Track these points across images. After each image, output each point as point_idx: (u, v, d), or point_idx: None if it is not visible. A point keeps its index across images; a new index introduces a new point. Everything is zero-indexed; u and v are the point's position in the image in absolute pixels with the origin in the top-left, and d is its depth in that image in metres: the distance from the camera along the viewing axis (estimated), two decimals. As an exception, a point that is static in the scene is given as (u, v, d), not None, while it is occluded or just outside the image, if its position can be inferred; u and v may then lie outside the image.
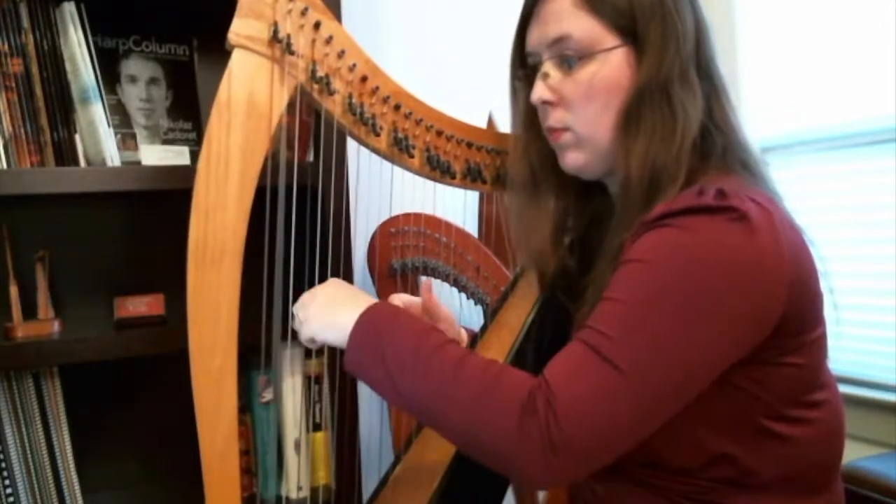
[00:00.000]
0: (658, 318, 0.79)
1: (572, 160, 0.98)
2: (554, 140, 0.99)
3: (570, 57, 0.93)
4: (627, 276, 0.83)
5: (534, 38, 0.98)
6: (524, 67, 1.02)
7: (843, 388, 0.95)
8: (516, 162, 1.07)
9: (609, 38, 0.92)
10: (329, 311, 0.96)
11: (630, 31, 0.92)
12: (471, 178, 1.15)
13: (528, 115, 1.03)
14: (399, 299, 1.11)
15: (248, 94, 0.98)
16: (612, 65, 0.92)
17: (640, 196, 0.89)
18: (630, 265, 0.83)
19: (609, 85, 0.92)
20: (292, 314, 1.01)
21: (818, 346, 0.89)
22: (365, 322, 0.91)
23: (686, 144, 0.89)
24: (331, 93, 1.03)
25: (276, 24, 0.98)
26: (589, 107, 0.94)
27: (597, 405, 0.78)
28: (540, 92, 0.96)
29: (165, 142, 1.50)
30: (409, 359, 0.86)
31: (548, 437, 0.77)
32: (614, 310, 0.82)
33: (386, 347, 0.88)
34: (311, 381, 1.49)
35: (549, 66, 0.96)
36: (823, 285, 0.89)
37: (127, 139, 1.46)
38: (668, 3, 0.91)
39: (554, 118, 0.97)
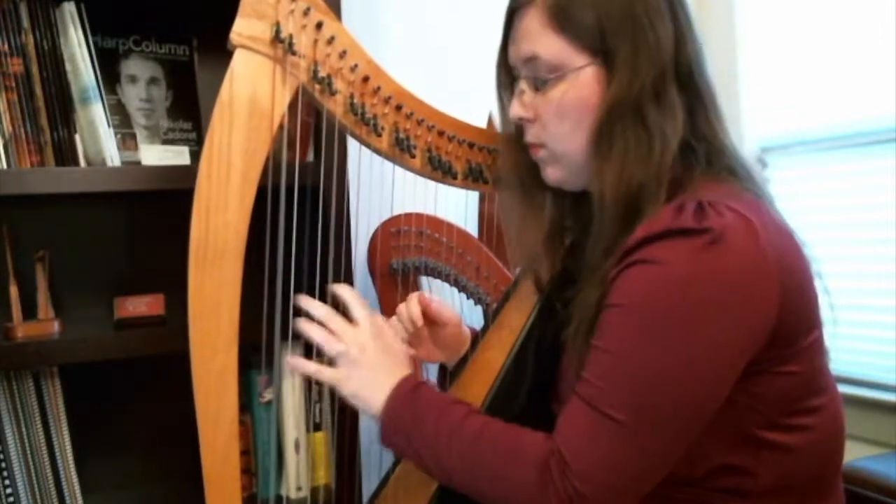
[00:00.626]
0: (647, 361, 0.80)
1: (551, 174, 0.99)
2: (533, 154, 1.00)
3: (540, 77, 0.93)
4: (611, 324, 0.84)
5: (512, 53, 0.98)
6: (509, 75, 1.01)
7: (843, 388, 0.94)
8: (508, 167, 1.07)
9: (577, 58, 0.91)
10: (369, 382, 0.98)
11: (599, 49, 0.90)
12: (472, 178, 1.15)
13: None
14: (415, 300, 1.15)
15: (250, 94, 0.98)
16: (582, 84, 0.91)
17: (616, 217, 0.88)
18: (612, 311, 0.84)
19: (579, 104, 0.91)
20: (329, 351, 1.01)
21: (814, 351, 0.88)
22: (391, 409, 0.95)
23: (666, 162, 0.88)
24: (332, 93, 1.03)
25: (278, 24, 0.98)
26: (560, 126, 0.93)
27: (607, 460, 0.81)
28: (515, 110, 0.97)
29: (165, 142, 1.50)
30: (432, 440, 0.91)
31: (568, 501, 0.81)
32: (603, 360, 0.83)
33: (411, 432, 0.93)
34: (311, 381, 1.49)
35: (524, 84, 0.96)
36: (819, 286, 0.89)
37: (127, 139, 1.46)
38: (639, 16, 0.88)
39: (531, 134, 0.98)
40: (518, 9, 0.95)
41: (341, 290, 1.03)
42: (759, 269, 0.80)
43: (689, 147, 0.90)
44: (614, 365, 0.82)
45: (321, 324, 1.00)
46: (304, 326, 0.99)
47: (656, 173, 0.87)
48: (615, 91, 0.89)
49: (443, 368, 1.24)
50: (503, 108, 1.06)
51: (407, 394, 0.95)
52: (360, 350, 0.98)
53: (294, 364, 1.00)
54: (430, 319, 1.17)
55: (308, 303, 1.00)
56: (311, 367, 1.00)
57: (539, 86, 0.94)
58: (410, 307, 1.15)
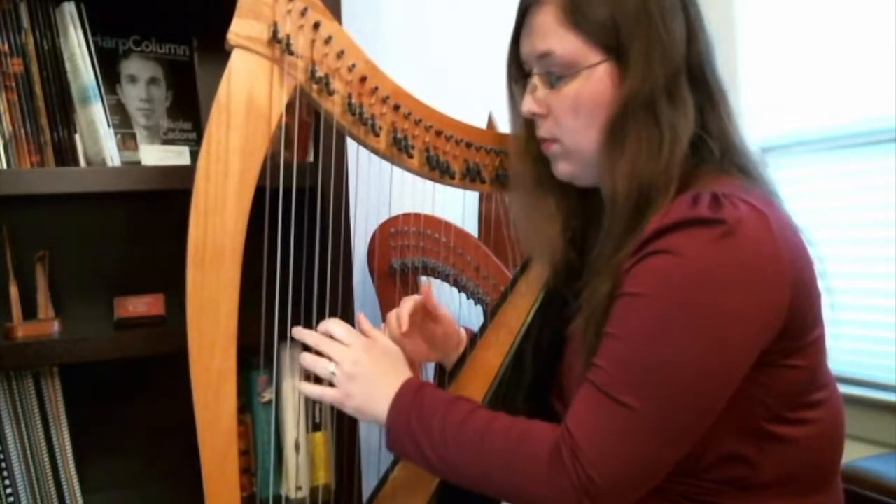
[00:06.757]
0: (660, 349, 0.80)
1: (563, 169, 1.00)
2: (545, 149, 1.00)
3: (555, 73, 0.94)
4: (625, 312, 0.84)
5: (524, 48, 0.98)
6: (520, 70, 1.02)
7: (843, 388, 0.95)
8: (518, 162, 1.07)
9: (592, 55, 0.91)
10: (369, 394, 0.99)
11: (613, 47, 0.91)
12: (470, 178, 1.15)
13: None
14: (409, 303, 1.14)
15: (248, 95, 0.98)
16: (596, 80, 0.92)
17: (627, 212, 0.89)
18: (626, 300, 0.84)
19: (593, 101, 0.92)
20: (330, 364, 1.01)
21: (818, 347, 0.89)
22: (396, 414, 0.96)
23: (675, 159, 0.88)
24: (330, 93, 1.03)
25: (275, 24, 0.98)
26: (574, 121, 0.94)
27: (619, 447, 0.81)
28: (528, 105, 0.97)
29: (165, 142, 1.50)
30: (438, 436, 0.91)
31: (580, 487, 0.81)
32: (616, 347, 0.84)
33: (417, 433, 0.93)
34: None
35: (537, 80, 0.97)
36: (821, 285, 0.89)
37: (127, 139, 1.47)
38: (653, 13, 0.89)
39: (544, 129, 0.98)
40: (532, 5, 0.95)
41: (324, 324, 1.03)
42: (772, 262, 0.81)
43: (700, 143, 0.91)
44: (628, 352, 0.82)
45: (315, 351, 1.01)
46: (301, 357, 1.02)
47: (665, 169, 0.88)
48: (628, 88, 0.89)
49: (440, 368, 1.24)
50: (513, 101, 1.06)
51: (410, 396, 0.96)
52: (353, 364, 0.99)
53: (300, 387, 1.03)
54: (428, 313, 1.17)
55: (299, 333, 1.02)
56: (316, 391, 1.01)
57: (553, 82, 0.94)
58: (400, 310, 1.14)
